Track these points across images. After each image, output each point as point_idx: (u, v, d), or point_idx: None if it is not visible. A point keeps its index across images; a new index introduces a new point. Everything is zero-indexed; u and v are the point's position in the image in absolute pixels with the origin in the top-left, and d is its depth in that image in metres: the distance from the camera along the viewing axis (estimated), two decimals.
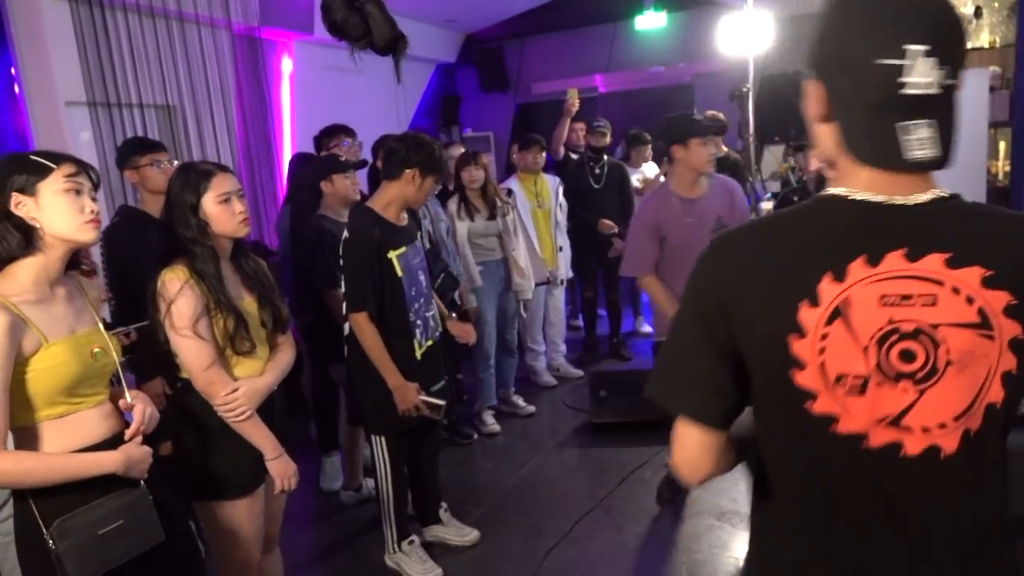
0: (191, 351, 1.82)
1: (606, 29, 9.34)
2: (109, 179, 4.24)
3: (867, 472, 0.93)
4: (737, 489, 3.32)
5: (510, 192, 4.41)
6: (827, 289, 0.89)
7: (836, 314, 0.89)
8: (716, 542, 2.94)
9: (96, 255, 2.67)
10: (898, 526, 0.94)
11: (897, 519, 0.94)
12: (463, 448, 3.95)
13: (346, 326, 2.61)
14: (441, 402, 2.69)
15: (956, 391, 0.89)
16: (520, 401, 4.39)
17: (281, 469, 1.95)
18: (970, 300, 0.88)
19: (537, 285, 4.49)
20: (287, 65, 6.61)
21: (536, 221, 4.50)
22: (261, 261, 2.08)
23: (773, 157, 8.07)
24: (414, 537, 2.82)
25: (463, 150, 4.36)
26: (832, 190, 0.94)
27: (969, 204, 0.94)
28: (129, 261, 2.57)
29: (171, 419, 1.93)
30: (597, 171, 5.00)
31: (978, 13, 5.89)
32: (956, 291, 0.88)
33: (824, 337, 0.89)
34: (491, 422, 4.14)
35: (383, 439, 2.66)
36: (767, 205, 5.86)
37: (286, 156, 6.39)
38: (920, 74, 0.85)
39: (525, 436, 4.11)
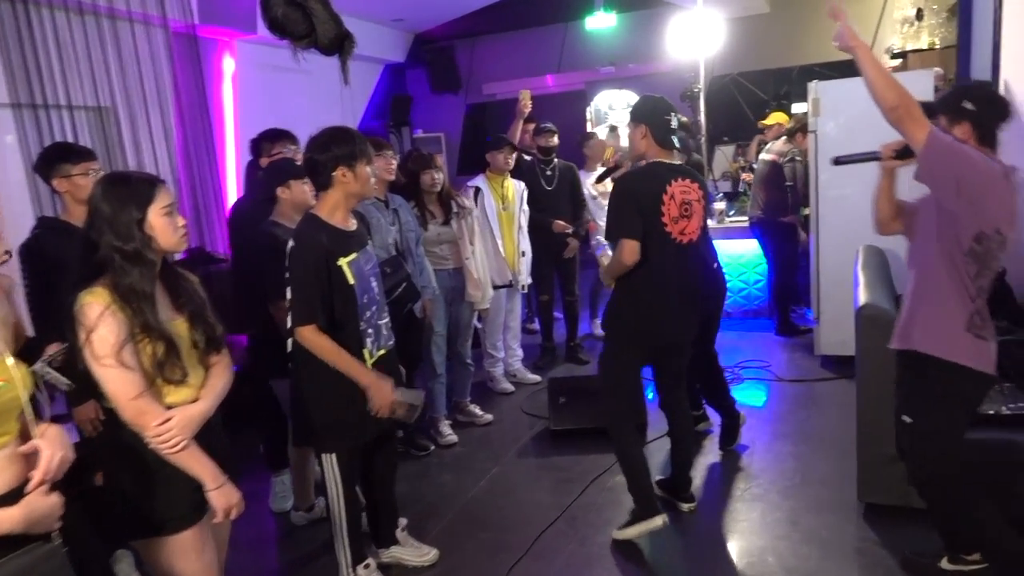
0: (116, 382, 1.67)
1: (557, 29, 9.30)
2: (36, 186, 3.99)
3: (676, 251, 2.82)
4: (702, 498, 3.29)
5: (478, 191, 4.30)
6: (668, 190, 2.77)
7: (671, 196, 2.78)
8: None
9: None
10: (682, 272, 2.88)
11: (681, 270, 2.87)
12: (420, 460, 3.82)
13: (289, 342, 2.47)
14: (418, 401, 2.57)
15: (696, 221, 2.88)
16: (477, 410, 4.29)
17: (223, 500, 1.80)
18: (695, 191, 2.86)
19: (500, 287, 4.40)
20: (229, 65, 6.37)
21: (501, 223, 4.41)
22: (192, 276, 1.94)
23: (724, 157, 8.16)
24: (370, 560, 2.69)
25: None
26: (655, 160, 2.83)
27: (689, 164, 3.29)
28: (55, 276, 2.38)
29: (104, 446, 1.77)
30: (548, 172, 4.94)
31: (919, 15, 6.02)
32: (692, 190, 2.84)
33: (668, 205, 2.77)
34: (448, 432, 4.02)
35: (334, 458, 2.52)
36: (719, 206, 5.90)
37: (229, 159, 6.16)
38: (673, 121, 2.84)
39: (484, 445, 4.00)
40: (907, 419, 2.33)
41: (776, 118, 6.20)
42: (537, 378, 4.84)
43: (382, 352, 2.59)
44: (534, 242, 4.72)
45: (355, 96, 8.53)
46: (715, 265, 3.71)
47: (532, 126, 5.57)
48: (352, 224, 2.54)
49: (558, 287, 5.16)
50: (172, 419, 1.71)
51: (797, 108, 7.40)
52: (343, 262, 2.42)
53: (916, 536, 2.70)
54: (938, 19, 5.96)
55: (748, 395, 4.38)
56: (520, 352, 4.91)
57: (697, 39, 6.09)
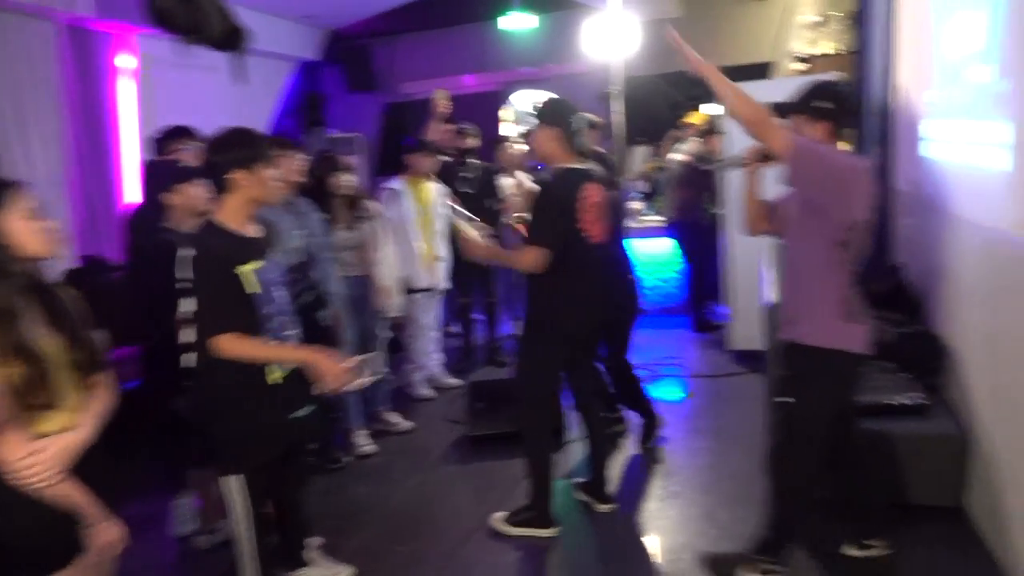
0: None
1: (476, 28, 9.23)
2: None
3: (591, 253, 2.86)
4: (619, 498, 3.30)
5: (395, 194, 4.18)
6: (583, 194, 2.80)
7: (586, 199, 2.80)
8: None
9: None
10: (597, 272, 2.92)
11: (596, 270, 2.91)
12: (334, 474, 3.68)
13: (188, 356, 2.32)
14: (368, 356, 2.49)
15: (605, 221, 2.92)
16: (396, 417, 4.18)
17: (102, 538, 1.66)
18: (601, 193, 2.90)
19: (419, 291, 4.31)
20: (129, 61, 6.01)
21: (419, 226, 4.31)
22: (70, 290, 1.78)
23: (639, 157, 8.27)
24: None
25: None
26: (567, 164, 2.85)
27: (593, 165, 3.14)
28: None
29: None
30: (467, 175, 4.87)
31: (824, 21, 6.25)
32: (600, 192, 2.88)
33: (584, 208, 2.80)
34: (365, 443, 3.90)
35: (235, 478, 2.38)
36: (636, 205, 5.98)
37: (131, 161, 5.81)
38: (578, 123, 2.85)
39: (402, 455, 3.90)
40: (789, 400, 2.40)
41: (696, 118, 6.32)
42: (458, 382, 4.77)
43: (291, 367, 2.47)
44: (453, 244, 4.64)
45: (267, 94, 8.24)
46: (629, 276, 3.72)
47: (450, 127, 5.50)
48: (255, 230, 2.41)
49: (477, 289, 5.10)
50: (44, 451, 1.56)
51: (706, 110, 7.59)
52: (244, 270, 2.29)
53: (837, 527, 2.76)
54: (841, 25, 6.20)
55: (665, 392, 4.44)
56: (439, 356, 4.82)
57: (612, 41, 6.14)
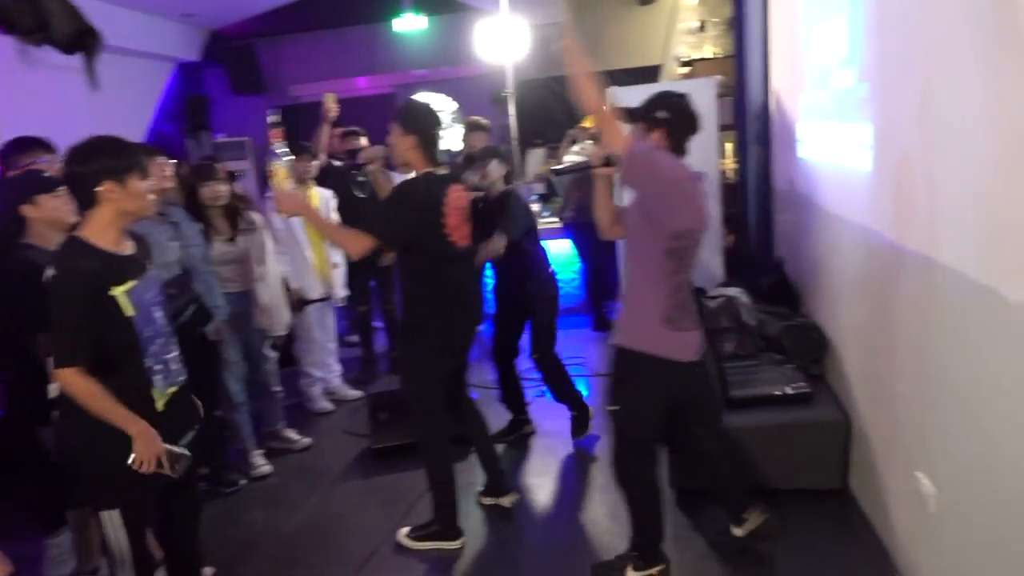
0: None
1: (367, 30, 9.06)
2: None
3: (460, 256, 2.85)
4: (522, 507, 3.30)
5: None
6: (447, 199, 2.74)
7: (450, 204, 2.75)
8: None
9: None
10: (468, 276, 2.96)
11: (466, 274, 2.94)
12: (229, 498, 3.50)
13: (53, 387, 2.12)
14: (185, 452, 2.27)
15: (469, 225, 2.89)
16: (293, 434, 4.02)
17: None
18: (466, 197, 2.90)
19: (313, 302, 4.16)
20: None
21: (309, 235, 4.15)
22: None
23: (535, 160, 8.35)
24: None
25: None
26: (427, 170, 2.77)
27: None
28: None
29: None
30: (360, 179, 4.74)
31: (703, 27, 6.51)
32: (464, 196, 2.89)
33: (450, 213, 2.74)
34: (261, 463, 3.72)
35: (115, 513, 2.19)
36: (534, 207, 6.01)
37: None
38: (439, 131, 2.84)
39: (301, 473, 3.75)
40: (614, 408, 2.48)
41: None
42: (358, 393, 4.64)
43: (173, 389, 2.31)
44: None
45: (142, 98, 7.77)
46: (549, 272, 3.80)
47: (340, 131, 5.36)
48: (127, 247, 2.23)
49: (376, 296, 4.99)
50: None
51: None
52: (118, 291, 2.10)
53: (721, 515, 2.86)
54: (718, 31, 6.48)
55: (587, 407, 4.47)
56: (338, 368, 4.68)
57: (503, 44, 6.16)
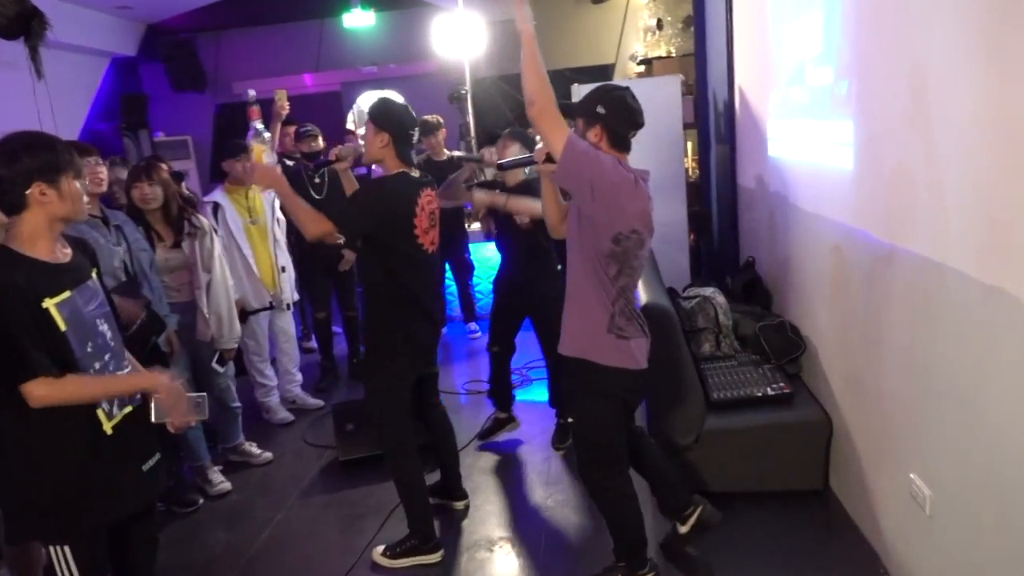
0: None
1: (313, 26, 8.80)
2: None
3: (427, 260, 2.77)
4: (503, 516, 3.19)
5: (217, 207, 3.77)
6: (419, 202, 2.69)
7: (421, 208, 2.70)
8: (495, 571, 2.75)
9: None
10: (433, 279, 2.92)
11: (432, 277, 2.89)
12: (187, 518, 3.28)
13: None
14: (203, 394, 2.13)
15: (438, 229, 2.83)
16: (253, 448, 3.81)
17: None
18: (436, 201, 2.81)
19: (259, 311, 3.95)
20: None
21: (251, 239, 3.92)
22: None
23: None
24: None
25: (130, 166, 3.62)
26: (400, 170, 2.70)
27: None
28: None
29: None
30: (317, 179, 4.55)
31: (660, 25, 6.51)
32: (434, 199, 2.79)
33: (420, 216, 2.69)
34: (219, 480, 3.51)
35: (67, 549, 1.99)
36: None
37: None
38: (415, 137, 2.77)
39: (264, 489, 3.55)
40: (570, 420, 2.41)
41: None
42: (320, 402, 4.45)
43: (128, 410, 2.10)
44: (308, 256, 4.33)
45: (76, 94, 7.34)
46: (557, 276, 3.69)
47: (293, 128, 5.15)
48: (64, 255, 2.01)
49: (335, 301, 4.80)
50: None
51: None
52: (49, 304, 1.89)
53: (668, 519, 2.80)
54: (674, 29, 6.48)
55: (537, 395, 4.39)
56: (299, 376, 4.48)
57: (460, 41, 6.03)
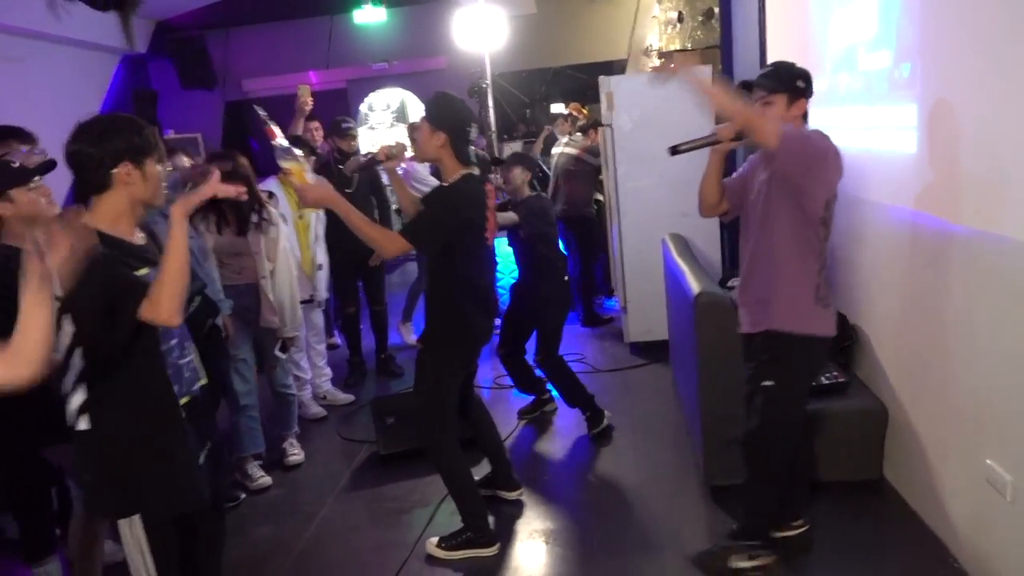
0: None
1: (323, 22, 8.74)
2: None
3: (489, 256, 3.44)
4: (553, 507, 3.14)
5: (271, 195, 3.74)
6: (487, 202, 2.80)
7: (488, 208, 2.88)
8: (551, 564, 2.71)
9: None
10: (492, 273, 3.76)
11: (492, 272, 3.83)
12: (231, 513, 3.21)
13: (76, 398, 1.86)
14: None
15: (493, 223, 3.39)
16: (293, 444, 3.75)
17: None
18: (493, 195, 3.50)
19: (302, 303, 3.90)
20: None
21: (297, 233, 3.90)
22: None
23: (511, 152, 8.22)
24: None
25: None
26: (464, 171, 2.62)
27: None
28: None
29: None
30: (348, 174, 4.50)
31: (680, 18, 6.49)
32: (491, 194, 3.26)
33: (489, 217, 2.89)
34: (259, 475, 3.46)
35: (139, 524, 1.93)
36: None
37: None
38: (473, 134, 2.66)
39: (303, 485, 3.49)
40: (768, 383, 2.37)
41: (579, 111, 6.30)
42: (350, 397, 4.40)
43: (187, 399, 2.07)
44: (337, 251, 4.28)
45: (87, 91, 7.28)
46: (564, 277, 3.86)
47: (314, 124, 5.12)
48: (140, 237, 2.00)
49: (363, 297, 4.75)
50: None
51: (556, 108, 7.63)
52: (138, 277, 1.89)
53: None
54: (695, 23, 6.46)
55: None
56: (328, 371, 4.43)
57: (481, 34, 5.99)
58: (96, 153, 1.83)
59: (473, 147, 2.73)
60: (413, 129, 3.12)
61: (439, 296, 2.73)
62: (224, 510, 2.29)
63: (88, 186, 1.90)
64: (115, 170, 1.84)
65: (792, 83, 2.33)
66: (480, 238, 2.71)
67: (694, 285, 3.05)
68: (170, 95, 8.68)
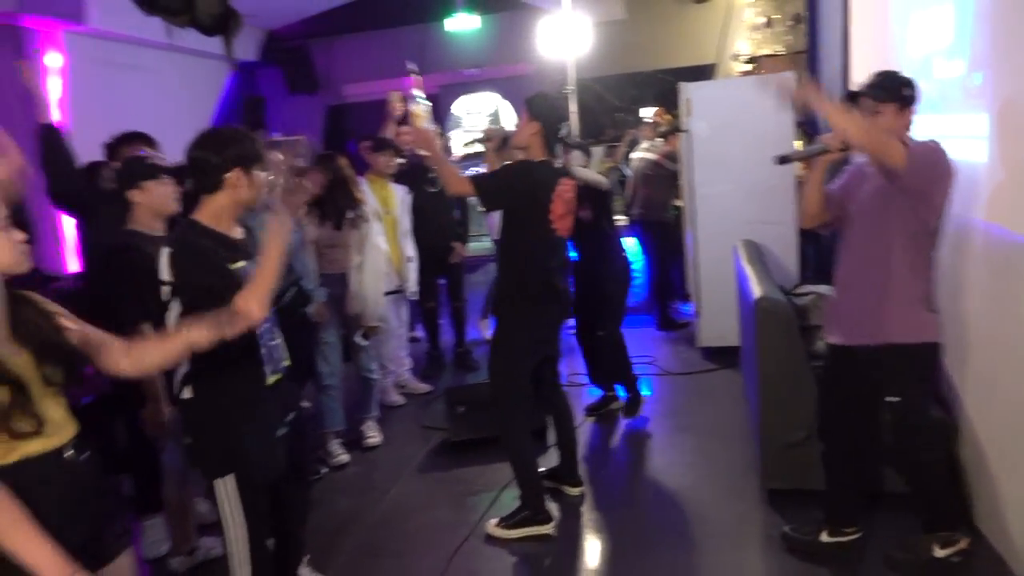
0: None
1: (418, 30, 9.11)
2: None
3: (557, 246, 2.95)
4: (615, 498, 3.26)
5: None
6: (557, 189, 2.83)
7: (559, 196, 2.84)
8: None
9: None
10: (561, 265, 3.03)
11: (560, 263, 3.01)
12: (312, 486, 3.50)
13: (181, 370, 2.15)
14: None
15: (570, 219, 2.96)
16: (372, 427, 4.03)
17: None
18: (573, 189, 2.96)
19: (388, 294, 4.18)
20: (55, 59, 5.65)
21: (385, 228, 4.19)
22: (36, 298, 1.63)
23: (593, 158, 8.32)
24: None
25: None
26: (542, 158, 2.86)
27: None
28: None
29: None
30: (432, 175, 4.76)
31: (769, 23, 6.42)
32: (571, 188, 2.94)
33: (556, 203, 2.83)
34: (339, 452, 3.74)
35: (232, 484, 2.20)
36: None
37: None
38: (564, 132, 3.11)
39: (379, 465, 3.76)
40: (894, 399, 2.40)
41: (660, 117, 6.33)
42: (428, 387, 4.66)
43: (276, 377, 2.33)
44: (419, 249, 4.54)
45: (205, 96, 7.92)
46: (623, 254, 4.07)
47: (405, 128, 5.39)
48: (238, 233, 2.27)
49: (444, 293, 5.00)
50: None
51: (645, 112, 7.64)
52: (231, 269, 2.15)
53: (819, 517, 2.79)
54: (784, 27, 6.38)
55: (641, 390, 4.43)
56: (409, 361, 4.71)
57: (566, 41, 6.14)
58: (214, 159, 2.11)
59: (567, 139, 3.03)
60: (487, 139, 3.34)
61: (503, 274, 2.95)
62: (308, 481, 2.53)
63: (202, 186, 2.19)
64: (227, 175, 2.12)
65: (899, 92, 2.34)
66: (543, 219, 2.84)
67: (756, 290, 3.10)
68: (277, 100, 9.27)
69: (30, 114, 5.00)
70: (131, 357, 1.74)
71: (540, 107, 2.86)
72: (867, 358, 2.43)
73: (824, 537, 2.65)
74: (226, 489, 2.22)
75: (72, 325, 1.67)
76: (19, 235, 1.55)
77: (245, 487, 2.22)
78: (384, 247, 4.18)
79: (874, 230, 2.36)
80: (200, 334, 1.78)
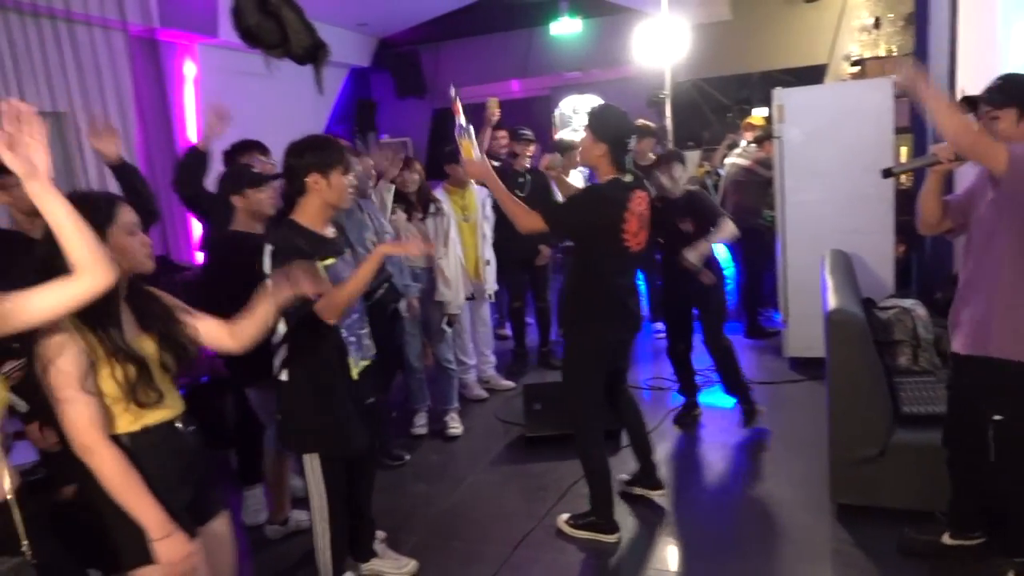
0: (70, 415, 1.63)
1: (522, 35, 9.32)
2: None
3: (631, 259, 2.95)
4: (693, 508, 3.31)
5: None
6: (629, 206, 2.84)
7: (631, 212, 2.85)
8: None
9: None
10: (633, 277, 3.07)
11: (632, 275, 3.08)
12: (394, 471, 3.77)
13: (279, 355, 2.42)
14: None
15: (648, 230, 2.98)
16: (453, 419, 4.25)
17: (170, 553, 1.71)
18: (646, 202, 2.96)
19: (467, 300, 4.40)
20: (190, 69, 6.24)
21: (461, 234, 4.38)
22: (160, 294, 1.90)
23: (690, 162, 8.25)
24: (350, 573, 2.64)
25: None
26: (613, 176, 2.87)
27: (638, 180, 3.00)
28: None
29: (73, 460, 1.72)
30: (520, 179, 4.93)
31: (877, 24, 6.17)
32: (644, 200, 2.94)
33: (630, 221, 2.84)
34: (421, 423, 4.20)
35: (317, 461, 2.46)
36: None
37: None
38: (632, 144, 2.90)
39: (458, 455, 3.97)
40: (998, 417, 2.32)
41: (756, 119, 6.24)
42: (511, 384, 4.83)
43: (365, 363, 2.57)
44: (506, 249, 4.71)
45: (320, 101, 8.44)
46: (713, 257, 4.06)
47: (501, 133, 5.58)
48: (330, 231, 2.51)
49: (530, 293, 5.16)
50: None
51: (757, 113, 7.49)
52: (319, 265, 2.39)
53: (888, 535, 2.75)
54: (895, 27, 6.11)
55: (721, 397, 4.42)
56: (493, 358, 4.89)
57: (663, 45, 6.15)
58: (295, 165, 2.37)
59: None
60: (551, 167, 3.41)
61: (572, 290, 3.00)
62: (378, 460, 2.76)
63: (292, 189, 2.45)
64: (307, 178, 2.36)
65: (1021, 96, 2.23)
66: (616, 237, 2.85)
67: (832, 301, 3.07)
68: (387, 103, 9.73)
69: (162, 124, 5.56)
70: (234, 336, 1.99)
71: (602, 125, 2.84)
72: (976, 370, 2.37)
73: (947, 539, 2.62)
74: (312, 464, 2.48)
75: (188, 319, 1.94)
76: (146, 239, 1.83)
77: (326, 464, 2.48)
78: (459, 252, 4.37)
79: (987, 239, 2.29)
80: (279, 294, 2.00)
